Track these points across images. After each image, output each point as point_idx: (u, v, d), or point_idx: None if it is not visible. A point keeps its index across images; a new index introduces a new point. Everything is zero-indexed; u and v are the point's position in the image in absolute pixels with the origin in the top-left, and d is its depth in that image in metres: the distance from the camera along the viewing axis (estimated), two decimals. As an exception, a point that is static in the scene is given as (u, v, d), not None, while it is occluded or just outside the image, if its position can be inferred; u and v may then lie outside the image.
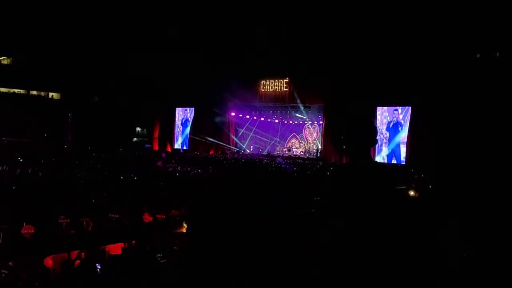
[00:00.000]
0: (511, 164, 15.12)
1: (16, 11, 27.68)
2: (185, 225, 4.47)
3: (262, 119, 32.30)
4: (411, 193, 8.53)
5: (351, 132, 2.38)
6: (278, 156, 28.29)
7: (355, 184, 2.29)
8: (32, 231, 5.20)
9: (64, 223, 6.30)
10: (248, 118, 31.76)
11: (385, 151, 23.06)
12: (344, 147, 2.38)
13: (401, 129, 22.45)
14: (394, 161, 22.41)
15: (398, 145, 22.53)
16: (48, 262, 4.62)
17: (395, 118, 22.86)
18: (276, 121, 32.75)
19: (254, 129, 32.40)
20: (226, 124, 30.53)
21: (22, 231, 5.21)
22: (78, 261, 4.62)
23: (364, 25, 21.47)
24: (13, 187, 9.42)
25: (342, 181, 2.36)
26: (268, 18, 24.40)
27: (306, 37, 24.02)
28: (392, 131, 22.83)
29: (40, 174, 11.75)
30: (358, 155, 2.36)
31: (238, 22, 25.56)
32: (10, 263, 4.04)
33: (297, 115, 29.60)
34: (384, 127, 23.11)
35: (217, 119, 29.94)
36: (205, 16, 26.44)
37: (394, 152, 22.71)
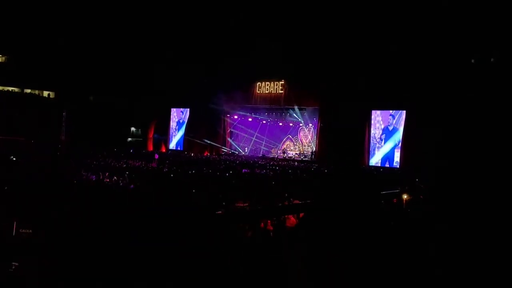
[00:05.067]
0: (506, 166, 15.19)
1: (10, 9, 27.49)
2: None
3: (257, 121, 32.24)
4: (405, 196, 8.51)
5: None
6: (273, 158, 28.18)
7: (340, 188, 2.40)
8: None
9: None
10: (243, 120, 31.71)
11: (378, 155, 23.03)
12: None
13: (396, 133, 22.45)
14: (387, 165, 22.42)
15: (392, 150, 22.52)
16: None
17: (390, 123, 22.85)
18: (271, 123, 32.70)
19: (249, 131, 32.34)
20: (221, 125, 30.49)
21: None
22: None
23: (360, 29, 21.53)
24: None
25: (331, 184, 2.46)
26: (265, 21, 24.41)
27: (302, 40, 24.05)
28: (386, 135, 22.84)
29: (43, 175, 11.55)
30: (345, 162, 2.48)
31: (235, 25, 25.54)
32: None
33: (292, 116, 29.60)
34: (377, 131, 23.06)
35: (212, 121, 29.88)
36: (202, 18, 26.39)
37: (387, 156, 22.71)
